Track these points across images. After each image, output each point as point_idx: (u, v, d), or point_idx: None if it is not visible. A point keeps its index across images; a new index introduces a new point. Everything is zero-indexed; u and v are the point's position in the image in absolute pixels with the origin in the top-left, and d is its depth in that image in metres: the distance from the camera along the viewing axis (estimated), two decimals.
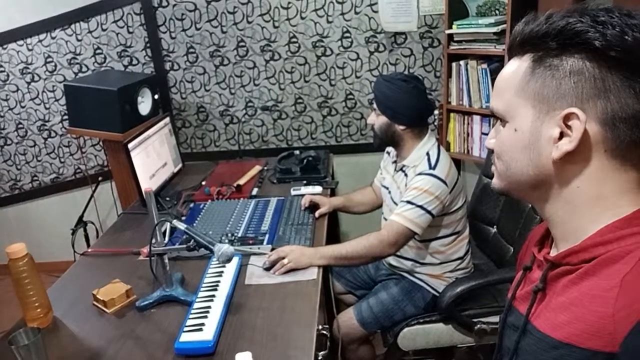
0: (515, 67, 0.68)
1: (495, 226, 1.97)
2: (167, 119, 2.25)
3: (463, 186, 1.81)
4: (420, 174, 1.66)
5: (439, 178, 1.64)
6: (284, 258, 1.53)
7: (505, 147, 0.70)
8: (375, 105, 1.76)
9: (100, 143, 2.81)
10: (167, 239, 1.40)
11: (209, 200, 2.03)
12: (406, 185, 1.71)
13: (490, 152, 0.75)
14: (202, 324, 1.23)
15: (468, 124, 2.50)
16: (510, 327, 0.79)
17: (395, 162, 1.85)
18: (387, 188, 1.87)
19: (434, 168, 1.65)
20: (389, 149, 1.91)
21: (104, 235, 1.94)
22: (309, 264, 1.53)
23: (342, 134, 2.77)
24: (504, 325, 0.81)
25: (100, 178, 2.71)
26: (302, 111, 2.73)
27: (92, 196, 2.68)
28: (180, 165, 2.31)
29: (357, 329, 1.74)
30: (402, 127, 1.72)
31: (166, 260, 1.39)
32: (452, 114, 2.53)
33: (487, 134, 2.42)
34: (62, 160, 2.91)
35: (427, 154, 1.70)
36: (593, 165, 0.64)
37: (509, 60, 0.71)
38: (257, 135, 2.79)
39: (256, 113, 2.74)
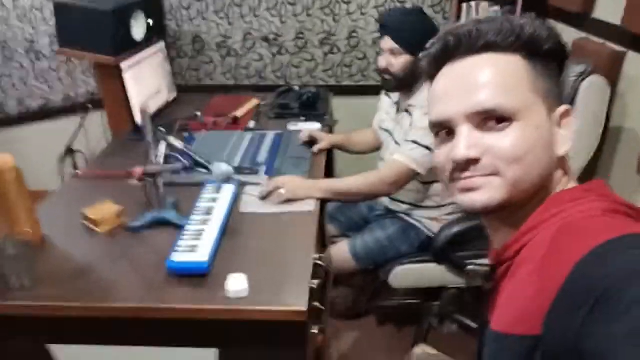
0: (512, 63, 0.65)
1: None
2: (162, 44, 2.15)
3: None
4: (427, 113, 1.60)
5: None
6: (280, 188, 1.49)
7: (529, 148, 0.62)
8: (390, 45, 1.61)
9: (91, 70, 2.69)
10: (162, 161, 1.34)
11: (204, 130, 1.97)
12: (411, 125, 1.65)
13: (467, 162, 0.63)
14: (195, 246, 1.20)
15: None
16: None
17: (397, 103, 1.79)
18: (388, 130, 1.82)
19: None
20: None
21: (96, 160, 1.89)
22: (306, 196, 1.50)
23: (343, 74, 2.68)
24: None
25: (90, 106, 2.62)
26: (303, 47, 2.63)
27: (81, 125, 2.59)
28: (174, 95, 2.23)
29: (349, 262, 1.74)
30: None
31: (160, 182, 1.34)
32: None
33: None
34: (51, 85, 2.80)
35: None
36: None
37: (464, 53, 0.66)
38: (255, 71, 2.69)
39: (254, 46, 2.63)
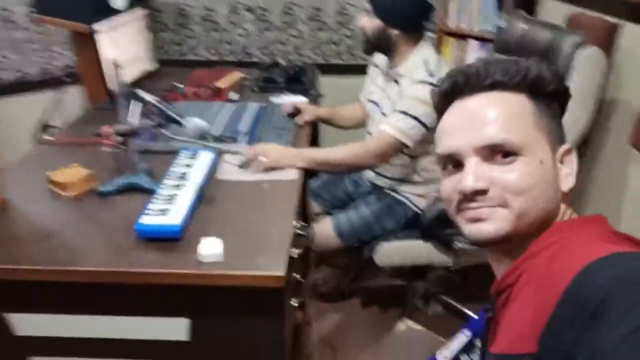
0: (517, 102, 0.68)
1: None
2: (143, 11, 2.05)
3: None
4: (417, 82, 1.53)
5: (437, 87, 1.52)
6: (261, 156, 1.41)
7: (534, 181, 0.65)
8: (368, 6, 1.61)
9: (69, 42, 2.58)
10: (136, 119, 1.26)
11: (184, 100, 1.88)
12: (399, 95, 1.59)
13: (475, 193, 0.66)
14: (167, 210, 1.13)
15: (465, 50, 2.37)
16: None
17: (386, 73, 1.73)
18: (376, 102, 1.76)
19: (432, 75, 1.53)
20: (377, 61, 1.78)
21: (68, 128, 1.79)
22: (289, 165, 1.43)
23: (331, 52, 2.60)
24: None
25: (67, 79, 2.51)
26: (291, 23, 2.55)
27: (58, 99, 2.48)
28: (155, 65, 2.13)
29: (333, 239, 1.67)
30: (396, 32, 1.58)
31: (131, 144, 1.26)
32: (447, 38, 2.40)
33: None
34: (27, 57, 2.68)
35: (424, 60, 1.57)
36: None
37: (469, 91, 0.70)
38: (240, 47, 2.61)
39: (240, 21, 2.54)
